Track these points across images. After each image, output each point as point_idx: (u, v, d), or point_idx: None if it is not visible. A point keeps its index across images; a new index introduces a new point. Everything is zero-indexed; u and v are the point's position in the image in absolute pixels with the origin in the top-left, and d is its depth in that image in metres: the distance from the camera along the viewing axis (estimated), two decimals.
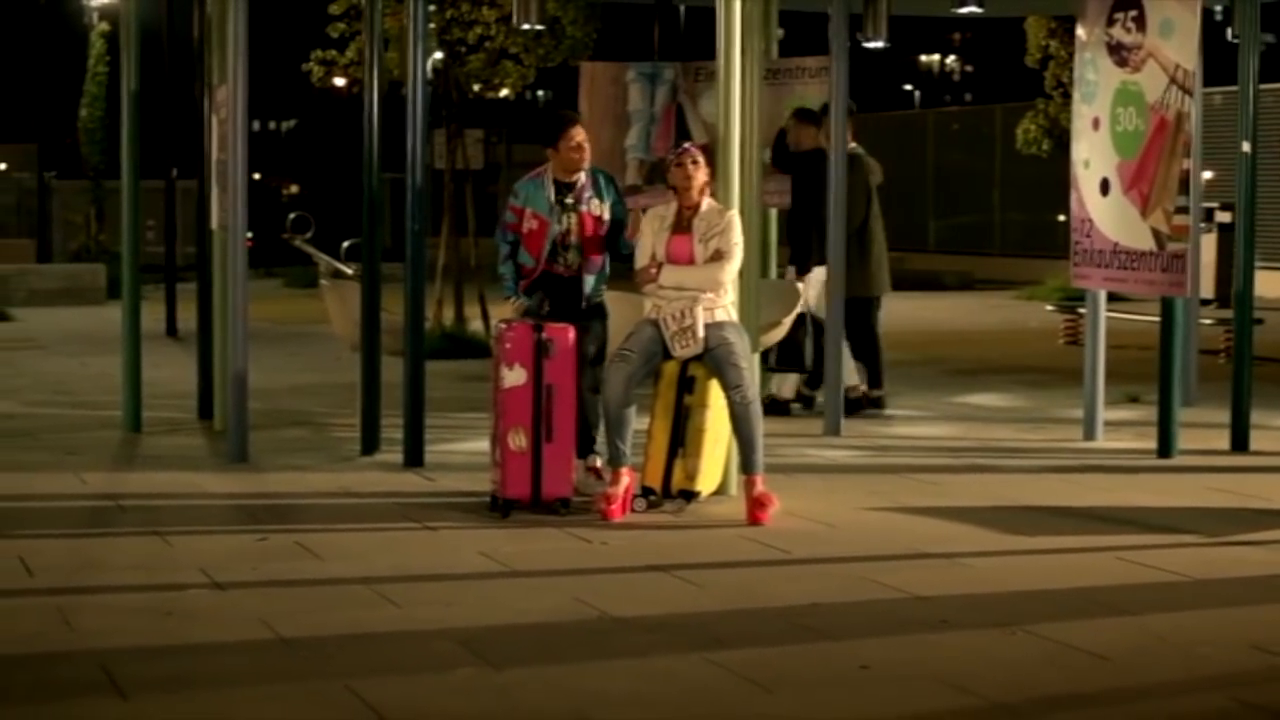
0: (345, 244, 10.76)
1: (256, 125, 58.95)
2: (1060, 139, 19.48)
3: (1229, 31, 10.98)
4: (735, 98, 8.29)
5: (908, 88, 69.69)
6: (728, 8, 8.28)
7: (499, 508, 7.80)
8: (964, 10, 11.51)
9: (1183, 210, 8.89)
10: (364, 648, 5.69)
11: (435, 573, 6.77)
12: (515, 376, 7.77)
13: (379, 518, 7.82)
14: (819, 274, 10.68)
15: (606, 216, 8.35)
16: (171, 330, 16.81)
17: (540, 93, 54.99)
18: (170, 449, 9.77)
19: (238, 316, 9.26)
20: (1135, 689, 5.32)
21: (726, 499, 8.12)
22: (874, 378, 11.18)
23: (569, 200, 8.32)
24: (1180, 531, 7.56)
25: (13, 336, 16.68)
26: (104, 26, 24.67)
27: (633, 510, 7.83)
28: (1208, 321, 13.46)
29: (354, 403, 9.67)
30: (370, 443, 9.44)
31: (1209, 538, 7.44)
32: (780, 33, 12.62)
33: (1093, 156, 9.11)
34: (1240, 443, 9.82)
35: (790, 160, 11.08)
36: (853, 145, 10.62)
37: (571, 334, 7.87)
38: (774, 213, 11.53)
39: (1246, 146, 10.08)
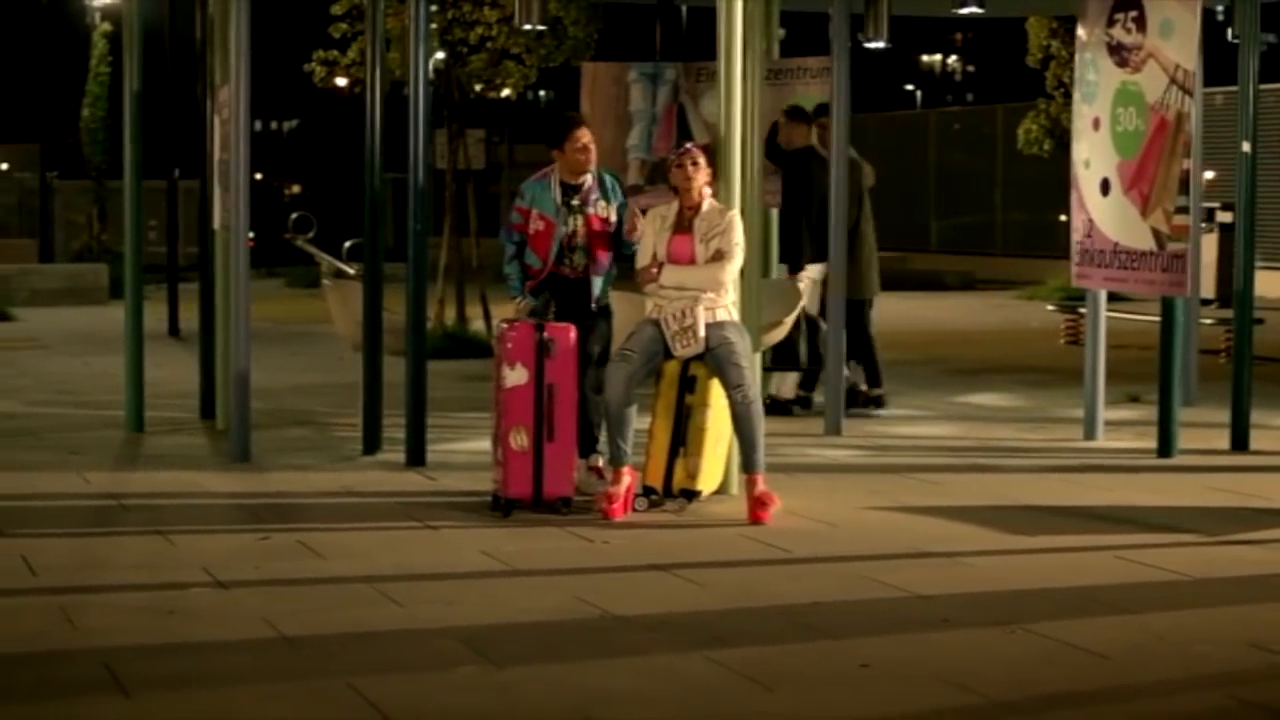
0: (347, 244, 10.76)
1: (259, 125, 58.94)
2: (1061, 139, 19.46)
3: (1229, 31, 10.98)
4: (736, 98, 8.29)
5: (909, 88, 69.65)
6: (729, 8, 8.28)
7: (500, 507, 7.81)
8: (965, 10, 11.49)
9: (1183, 210, 8.92)
10: (366, 646, 5.70)
11: (437, 571, 6.78)
12: (517, 376, 7.78)
13: (381, 517, 7.83)
14: (809, 272, 10.69)
15: (613, 218, 8.35)
16: (174, 330, 16.81)
17: (542, 93, 55.02)
18: (173, 448, 9.78)
19: (240, 316, 9.27)
20: (1135, 687, 5.33)
21: (728, 498, 8.13)
22: (872, 376, 11.18)
23: (575, 202, 8.31)
24: (1180, 531, 7.57)
25: (15, 336, 16.68)
26: (106, 26, 24.67)
27: (634, 509, 7.84)
28: (1208, 321, 13.47)
29: (356, 402, 9.68)
30: (372, 442, 9.46)
31: (1209, 537, 7.45)
32: (782, 33, 12.64)
33: (1093, 156, 9.12)
34: (1240, 442, 9.83)
35: (781, 157, 11.07)
36: None
37: (572, 333, 7.88)
38: (774, 213, 11.54)
39: (1246, 146, 10.09)
